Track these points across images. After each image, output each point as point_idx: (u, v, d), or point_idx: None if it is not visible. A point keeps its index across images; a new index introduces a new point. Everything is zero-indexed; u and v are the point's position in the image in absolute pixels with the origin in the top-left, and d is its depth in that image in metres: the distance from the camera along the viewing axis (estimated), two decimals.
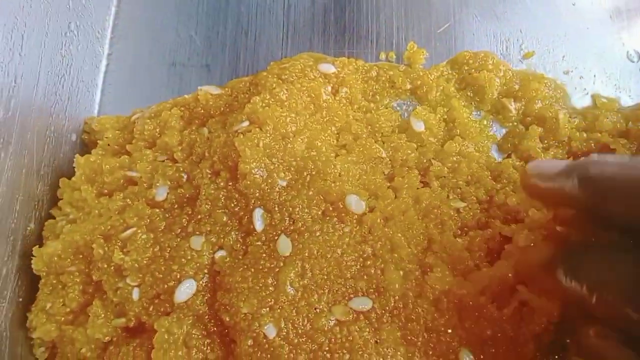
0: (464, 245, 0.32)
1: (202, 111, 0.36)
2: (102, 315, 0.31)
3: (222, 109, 0.36)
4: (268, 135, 0.31)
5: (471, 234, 0.33)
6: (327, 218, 0.31)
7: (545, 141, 0.37)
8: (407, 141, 0.37)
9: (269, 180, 0.30)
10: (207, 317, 0.30)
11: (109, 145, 0.36)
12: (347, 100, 0.38)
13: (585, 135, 0.37)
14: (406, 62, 0.40)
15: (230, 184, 0.31)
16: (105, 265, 0.31)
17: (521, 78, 0.39)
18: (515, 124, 0.39)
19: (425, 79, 0.39)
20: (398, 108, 0.39)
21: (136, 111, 0.38)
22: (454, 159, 0.36)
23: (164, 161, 0.34)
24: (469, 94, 0.39)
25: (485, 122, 0.39)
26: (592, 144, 0.37)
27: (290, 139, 0.32)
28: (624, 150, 0.35)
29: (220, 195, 0.31)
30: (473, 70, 0.39)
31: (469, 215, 0.34)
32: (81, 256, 0.32)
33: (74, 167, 0.35)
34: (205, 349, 0.29)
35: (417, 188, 0.35)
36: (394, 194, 0.34)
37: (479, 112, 0.39)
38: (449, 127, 0.38)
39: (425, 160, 0.36)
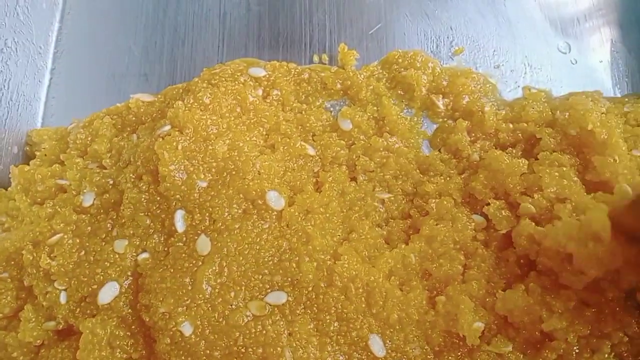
0: (383, 235, 0.32)
1: (134, 118, 0.37)
2: (34, 319, 0.31)
3: (153, 115, 0.37)
4: (188, 138, 0.32)
5: (392, 223, 0.34)
6: (248, 216, 0.31)
7: (473, 134, 0.38)
8: (337, 139, 0.37)
9: (189, 182, 0.31)
10: (130, 318, 0.30)
11: (45, 155, 0.37)
12: (278, 102, 0.39)
13: (511, 126, 0.38)
14: (339, 64, 0.41)
15: (152, 187, 0.32)
16: (35, 271, 0.32)
17: (450, 74, 0.40)
18: (444, 119, 0.39)
19: (354, 79, 0.39)
20: (331, 108, 0.40)
21: (74, 121, 0.39)
22: (383, 154, 0.37)
23: (93, 168, 0.35)
24: (399, 92, 0.40)
25: (415, 119, 0.39)
26: (519, 134, 0.37)
27: (212, 141, 0.33)
28: (549, 139, 0.36)
29: (143, 199, 0.31)
30: (402, 69, 0.40)
31: (393, 206, 0.35)
32: (13, 262, 0.33)
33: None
34: (129, 349, 0.30)
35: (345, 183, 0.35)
36: (318, 189, 0.34)
37: (410, 110, 0.40)
38: (379, 124, 0.39)
39: (354, 157, 0.37)
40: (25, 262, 0.32)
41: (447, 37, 0.42)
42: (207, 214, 0.31)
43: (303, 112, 0.39)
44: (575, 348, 0.27)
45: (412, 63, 0.40)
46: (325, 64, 0.41)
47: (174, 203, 0.31)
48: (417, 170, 0.37)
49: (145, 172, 0.32)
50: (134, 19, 0.44)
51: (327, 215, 0.32)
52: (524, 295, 0.28)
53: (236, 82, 0.37)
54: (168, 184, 0.31)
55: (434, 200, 0.33)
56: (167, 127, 0.33)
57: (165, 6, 0.44)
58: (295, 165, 0.35)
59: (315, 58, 0.42)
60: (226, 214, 0.31)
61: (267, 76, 0.39)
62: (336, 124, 0.39)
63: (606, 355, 0.27)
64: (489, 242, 0.32)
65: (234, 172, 0.32)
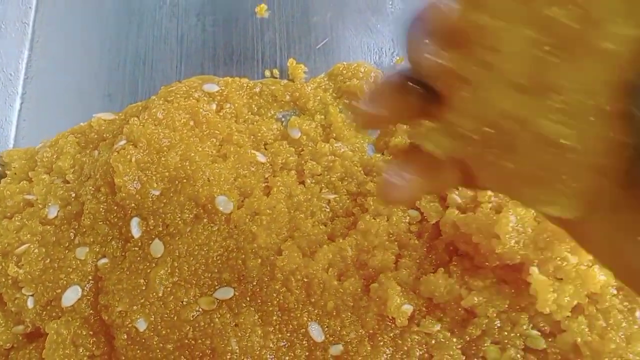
0: (327, 232, 0.35)
1: (96, 136, 0.40)
2: (3, 324, 0.34)
3: (114, 132, 0.40)
4: (142, 151, 0.35)
5: (336, 221, 0.36)
6: (198, 220, 0.34)
7: None
8: (287, 147, 0.40)
9: (143, 191, 0.34)
10: (92, 318, 0.33)
11: (15, 174, 0.40)
12: (231, 114, 0.42)
13: None
14: (289, 77, 0.44)
15: (110, 197, 0.34)
16: (4, 279, 0.34)
17: None
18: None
19: (302, 91, 0.43)
20: (282, 118, 0.43)
21: (42, 142, 0.42)
22: (329, 158, 0.40)
23: (58, 183, 0.37)
24: (345, 101, 0.43)
25: None
26: None
27: (165, 152, 0.35)
28: None
29: (101, 209, 0.34)
30: (347, 79, 0.43)
31: (338, 206, 0.38)
32: None
33: None
34: (91, 346, 0.32)
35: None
36: (268, 192, 0.37)
37: None
38: (327, 131, 0.42)
39: (303, 162, 0.40)
40: None
41: (389, 49, 0.45)
42: (161, 220, 0.34)
43: (255, 123, 0.42)
44: (496, 323, 0.30)
45: (355, 74, 0.43)
46: (276, 77, 0.45)
47: (129, 211, 0.34)
48: (362, 172, 0.40)
49: (103, 184, 0.35)
50: (98, 43, 0.47)
51: (274, 216, 0.35)
52: (444, 277, 0.30)
53: (190, 98, 0.40)
54: (123, 194, 0.34)
55: (372, 198, 0.36)
56: (123, 142, 0.36)
57: (127, 31, 0.47)
58: (246, 172, 0.38)
59: (267, 73, 0.45)
60: (178, 219, 0.34)
61: (221, 91, 0.42)
62: (286, 133, 0.42)
63: (524, 327, 0.30)
64: (422, 233, 0.34)
65: (185, 180, 0.35)
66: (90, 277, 0.33)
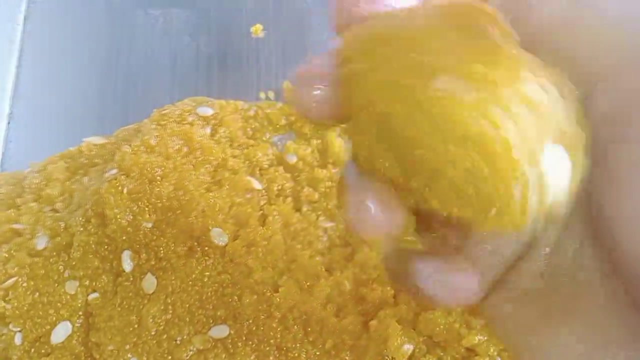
0: (325, 263, 0.35)
1: (86, 161, 0.39)
2: None
3: (105, 157, 0.39)
4: (134, 180, 0.34)
5: (333, 250, 0.36)
6: (192, 253, 0.33)
7: None
8: (283, 172, 0.40)
9: (135, 223, 0.33)
10: (83, 355, 0.32)
11: (2, 200, 0.39)
12: (226, 138, 0.41)
13: None
14: (284, 100, 0.44)
15: (100, 229, 0.33)
16: None
17: None
18: None
19: (298, 115, 0.42)
20: (278, 142, 0.42)
21: (32, 165, 0.41)
22: (327, 184, 0.39)
23: (47, 212, 0.36)
24: (342, 125, 0.43)
25: None
26: None
27: (158, 182, 0.35)
28: None
29: (91, 241, 0.33)
30: None
31: (335, 235, 0.37)
32: None
33: None
34: None
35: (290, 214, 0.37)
36: (263, 222, 0.36)
37: None
38: (324, 156, 0.41)
39: (300, 189, 0.39)
40: None
41: None
42: (153, 253, 0.33)
43: (250, 148, 0.41)
44: None
45: None
46: (271, 100, 0.44)
47: (120, 244, 0.33)
48: None
49: (94, 215, 0.34)
50: (88, 63, 0.46)
51: (270, 247, 0.34)
52: (443, 315, 0.30)
53: (184, 123, 0.39)
54: (114, 227, 0.33)
55: None
56: (114, 171, 0.35)
57: (118, 50, 0.46)
58: (241, 199, 0.37)
59: (262, 95, 0.44)
60: (171, 252, 0.33)
61: (215, 114, 0.41)
62: (282, 158, 0.41)
63: None
64: None
65: (178, 212, 0.34)
66: (80, 313, 0.32)
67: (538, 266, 0.14)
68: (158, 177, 0.35)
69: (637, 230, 0.12)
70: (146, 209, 0.33)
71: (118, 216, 0.33)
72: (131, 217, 0.33)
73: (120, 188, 0.33)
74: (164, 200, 0.34)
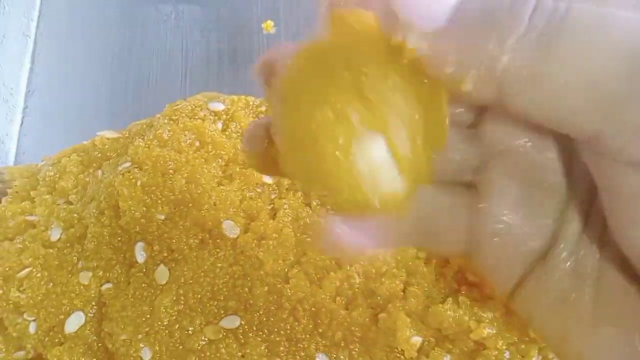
0: (334, 257, 0.35)
1: (99, 155, 0.39)
2: (4, 349, 0.33)
3: (118, 151, 0.39)
4: (147, 173, 0.34)
5: None
6: (204, 245, 0.34)
7: None
8: None
9: (148, 215, 0.33)
10: (96, 345, 0.32)
11: (17, 192, 0.39)
12: (237, 133, 0.41)
13: None
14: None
15: (114, 221, 0.34)
16: (5, 304, 0.34)
17: None
18: None
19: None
20: None
21: (44, 158, 0.42)
22: None
23: (61, 204, 0.37)
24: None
25: None
26: None
27: (170, 175, 0.35)
28: None
29: (105, 233, 0.34)
30: None
31: None
32: None
33: None
34: None
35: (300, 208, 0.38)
36: (274, 215, 0.37)
37: None
38: None
39: None
40: None
41: None
42: (166, 245, 0.33)
43: None
44: (506, 354, 0.30)
45: None
46: None
47: (134, 236, 0.33)
48: None
49: (107, 207, 0.34)
50: (101, 58, 0.46)
51: (281, 240, 0.35)
52: (453, 308, 0.30)
53: (196, 117, 0.40)
54: (128, 219, 0.33)
55: None
56: (128, 164, 0.35)
57: (130, 46, 0.46)
58: (252, 193, 0.38)
59: None
60: (183, 244, 0.33)
61: (226, 109, 0.41)
62: None
63: (534, 359, 0.30)
64: (430, 259, 0.34)
65: (190, 205, 0.34)
66: (94, 303, 0.33)
67: (561, 269, 0.15)
68: (171, 171, 0.35)
69: None
70: (159, 201, 0.34)
71: (132, 208, 0.33)
72: (144, 210, 0.33)
73: (133, 181, 0.34)
74: (177, 193, 0.34)
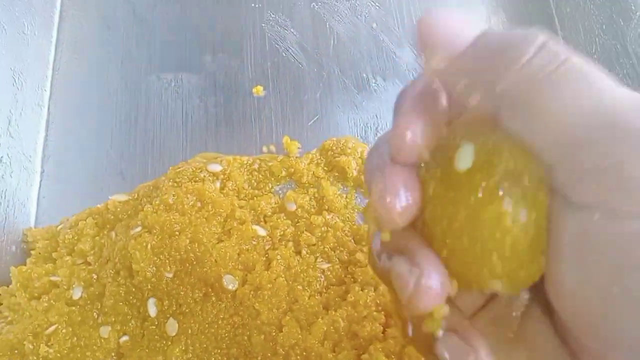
0: (322, 302, 0.40)
1: (112, 217, 0.44)
2: None
3: (129, 212, 0.44)
4: (156, 237, 0.39)
5: (330, 290, 0.41)
6: (207, 298, 0.38)
7: None
8: (285, 219, 0.45)
9: (158, 274, 0.38)
10: None
11: (40, 254, 0.44)
12: (233, 191, 0.46)
13: None
14: (285, 152, 0.49)
15: (128, 280, 0.39)
16: (35, 358, 0.38)
17: None
18: None
19: (297, 167, 0.47)
20: (280, 191, 0.48)
21: (62, 220, 0.47)
22: (323, 229, 0.44)
23: (80, 264, 0.42)
24: (335, 174, 0.48)
25: (349, 196, 0.47)
26: None
27: (176, 236, 0.40)
28: None
29: (121, 291, 0.39)
30: (336, 154, 0.48)
31: (332, 275, 0.42)
32: (16, 352, 0.39)
33: None
34: None
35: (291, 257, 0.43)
36: (268, 265, 0.42)
37: (346, 188, 0.48)
38: (320, 203, 0.46)
39: (299, 233, 0.44)
40: (26, 351, 0.38)
41: (373, 124, 0.50)
42: (174, 300, 0.38)
43: (255, 198, 0.46)
44: None
45: (344, 150, 0.48)
46: (273, 152, 0.49)
47: (146, 293, 0.38)
48: (352, 241, 0.44)
49: (122, 268, 0.39)
50: (110, 124, 0.51)
51: (275, 289, 0.39)
52: None
53: (196, 180, 0.45)
54: (141, 278, 0.38)
55: (360, 269, 0.40)
56: (139, 228, 0.40)
57: (136, 112, 0.52)
58: (248, 246, 0.43)
59: (265, 149, 0.49)
60: (189, 298, 0.38)
61: (223, 170, 0.46)
62: (284, 205, 0.46)
63: None
64: None
65: (194, 262, 0.39)
66: (113, 354, 0.38)
67: (499, 306, 0.18)
68: (176, 232, 0.40)
69: (572, 302, 0.14)
70: (167, 261, 0.39)
71: (143, 269, 0.38)
72: (154, 269, 0.38)
73: (144, 244, 0.39)
74: (182, 252, 0.39)
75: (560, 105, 0.13)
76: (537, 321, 0.17)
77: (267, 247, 0.44)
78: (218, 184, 0.46)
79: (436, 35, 0.15)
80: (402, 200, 0.16)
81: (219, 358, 0.36)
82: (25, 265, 0.43)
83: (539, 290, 0.16)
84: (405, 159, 0.17)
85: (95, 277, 0.40)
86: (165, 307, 0.38)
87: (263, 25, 0.55)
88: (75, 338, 0.38)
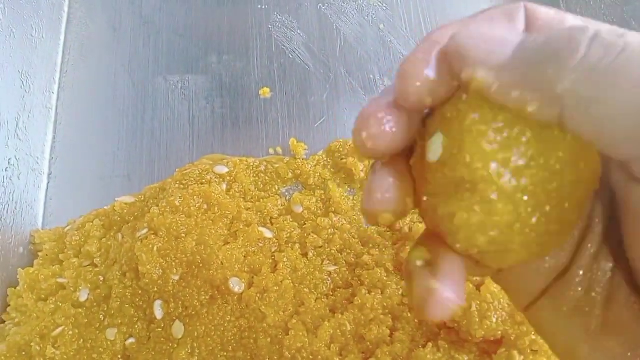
0: (329, 304, 0.39)
1: (119, 219, 0.44)
2: None
3: (135, 214, 0.44)
4: (162, 239, 0.39)
5: (337, 292, 0.40)
6: (214, 301, 0.38)
7: None
8: (291, 221, 0.45)
9: (164, 277, 0.38)
10: None
11: (47, 255, 0.44)
12: (240, 193, 0.46)
13: None
14: (292, 154, 0.49)
15: (135, 282, 0.39)
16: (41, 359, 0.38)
17: None
18: None
19: (304, 168, 0.47)
20: (286, 193, 0.47)
21: (70, 222, 0.47)
22: (330, 231, 0.44)
23: (87, 266, 0.42)
24: (342, 176, 0.48)
25: (356, 198, 0.47)
26: None
27: (182, 239, 0.40)
28: None
29: (127, 293, 0.38)
30: (343, 156, 0.48)
31: (338, 277, 0.42)
32: (24, 353, 0.39)
33: None
34: None
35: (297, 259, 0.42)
36: (274, 268, 0.41)
37: (352, 190, 0.48)
38: (326, 205, 0.46)
39: (306, 235, 0.44)
40: (33, 353, 0.38)
41: None
42: (180, 302, 0.38)
43: (261, 200, 0.46)
44: None
45: (350, 151, 0.48)
46: (279, 154, 0.49)
47: (152, 295, 0.38)
48: (359, 243, 0.44)
49: (129, 270, 0.39)
50: (116, 126, 0.52)
51: (281, 292, 0.39)
52: (433, 352, 0.34)
53: (203, 182, 0.45)
54: (147, 280, 0.38)
55: (367, 272, 0.40)
56: (145, 231, 0.40)
57: (143, 114, 0.52)
58: (254, 248, 0.42)
59: (271, 150, 0.49)
60: (196, 301, 0.38)
61: (230, 172, 0.46)
62: (290, 208, 0.46)
63: None
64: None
65: (200, 265, 0.39)
66: (119, 356, 0.37)
67: (576, 286, 0.17)
68: (183, 235, 0.40)
69: None
70: (173, 263, 0.39)
71: (150, 271, 0.38)
72: (161, 272, 0.38)
73: (150, 246, 0.39)
74: (188, 255, 0.39)
75: (631, 94, 0.12)
76: (625, 303, 0.16)
77: (273, 250, 0.43)
78: (224, 186, 0.46)
79: (477, 48, 0.14)
80: (384, 125, 0.16)
81: None
82: (32, 266, 0.43)
83: (625, 273, 0.16)
84: (409, 98, 0.16)
85: (101, 279, 0.40)
86: (172, 310, 0.38)
87: (269, 26, 0.55)
88: (81, 340, 0.38)
